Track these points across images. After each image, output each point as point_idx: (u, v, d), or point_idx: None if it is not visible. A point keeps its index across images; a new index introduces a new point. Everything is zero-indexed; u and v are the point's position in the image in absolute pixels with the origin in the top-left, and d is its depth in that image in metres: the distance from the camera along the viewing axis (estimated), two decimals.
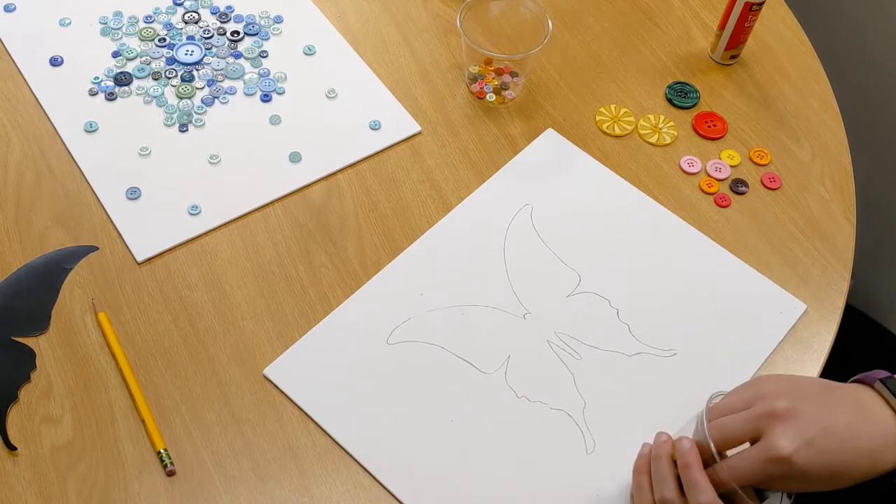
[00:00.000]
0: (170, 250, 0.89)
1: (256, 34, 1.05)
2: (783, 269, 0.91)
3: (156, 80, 1.00)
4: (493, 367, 0.83)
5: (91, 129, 0.96)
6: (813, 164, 0.99)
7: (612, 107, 1.02)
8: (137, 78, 1.00)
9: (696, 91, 1.04)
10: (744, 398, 0.69)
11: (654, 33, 1.10)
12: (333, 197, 0.93)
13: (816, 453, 0.64)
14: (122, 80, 1.00)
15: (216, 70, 1.01)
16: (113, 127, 0.96)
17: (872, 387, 0.68)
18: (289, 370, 0.82)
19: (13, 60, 1.00)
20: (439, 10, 1.09)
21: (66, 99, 0.98)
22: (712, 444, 0.67)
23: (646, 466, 0.71)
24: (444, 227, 0.92)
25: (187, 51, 1.02)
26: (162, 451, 0.77)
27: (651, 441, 0.73)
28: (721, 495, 0.66)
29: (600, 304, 0.88)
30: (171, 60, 1.01)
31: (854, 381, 0.70)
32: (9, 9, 1.04)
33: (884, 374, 0.68)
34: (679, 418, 0.76)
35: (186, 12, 1.06)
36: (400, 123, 0.99)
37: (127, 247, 0.88)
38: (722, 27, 1.04)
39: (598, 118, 1.01)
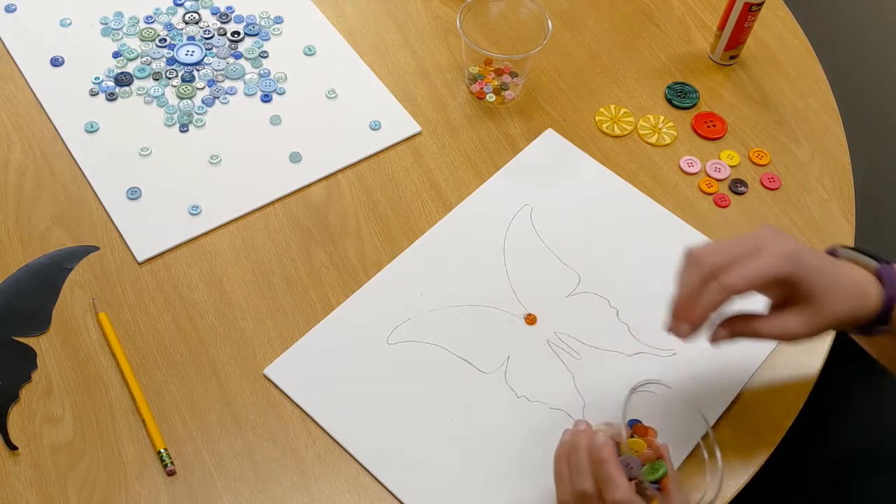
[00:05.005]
0: (170, 250, 0.89)
1: (257, 34, 1.05)
2: None
3: (156, 80, 1.00)
4: (493, 367, 0.83)
5: (92, 129, 0.96)
6: (812, 165, 0.99)
7: (612, 107, 1.02)
8: (138, 78, 1.00)
9: (696, 91, 1.04)
10: (730, 240, 0.72)
11: (653, 34, 1.10)
12: (333, 197, 0.93)
13: (814, 256, 0.70)
14: (123, 80, 1.00)
15: (216, 70, 1.01)
16: (113, 127, 0.96)
17: (837, 256, 0.75)
18: (289, 370, 0.82)
19: (14, 61, 1.00)
20: (439, 10, 1.09)
21: (66, 99, 0.98)
22: (624, 432, 0.68)
23: (565, 456, 0.69)
24: (443, 228, 0.92)
25: (188, 51, 1.02)
26: (162, 450, 0.77)
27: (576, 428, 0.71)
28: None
29: (600, 304, 0.88)
30: (172, 61, 1.02)
31: None
32: (10, 9, 1.04)
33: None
34: (678, 418, 0.76)
35: (187, 13, 1.06)
36: (400, 123, 0.99)
37: (127, 247, 0.88)
38: (721, 27, 1.04)
39: (597, 118, 1.01)
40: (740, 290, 0.69)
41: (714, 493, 0.71)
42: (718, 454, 0.72)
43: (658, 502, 0.68)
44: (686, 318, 0.71)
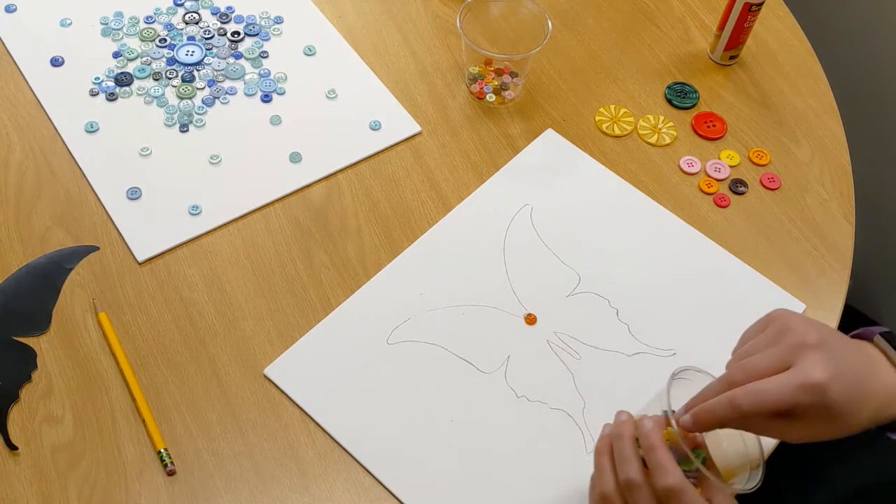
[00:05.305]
0: (170, 250, 0.89)
1: (257, 35, 1.05)
2: (782, 269, 0.91)
3: (156, 80, 1.00)
4: (493, 366, 0.83)
5: (92, 129, 0.96)
6: (812, 164, 0.99)
7: (612, 107, 1.02)
8: (138, 78, 1.00)
9: (696, 91, 1.04)
10: (768, 335, 0.68)
11: (653, 34, 1.10)
12: (333, 197, 0.94)
13: (845, 385, 0.64)
14: (123, 80, 1.00)
15: (217, 70, 1.01)
16: (114, 127, 0.97)
17: (872, 341, 0.69)
18: (289, 370, 0.82)
19: (14, 61, 1.00)
20: (439, 10, 1.09)
21: (66, 99, 0.98)
22: (673, 421, 0.66)
23: (607, 448, 0.68)
24: (444, 227, 0.92)
25: (188, 51, 1.02)
26: (162, 450, 0.77)
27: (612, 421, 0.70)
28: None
29: (600, 304, 0.88)
30: (172, 61, 1.02)
31: (854, 337, 0.71)
32: (10, 9, 1.04)
33: (881, 328, 0.69)
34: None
35: (187, 13, 1.06)
36: (400, 123, 0.99)
37: (128, 247, 0.88)
38: (721, 27, 1.04)
39: (597, 118, 1.01)
40: (749, 415, 0.64)
41: (758, 477, 0.69)
42: (760, 438, 0.70)
43: (700, 489, 0.68)
44: (693, 411, 0.67)
